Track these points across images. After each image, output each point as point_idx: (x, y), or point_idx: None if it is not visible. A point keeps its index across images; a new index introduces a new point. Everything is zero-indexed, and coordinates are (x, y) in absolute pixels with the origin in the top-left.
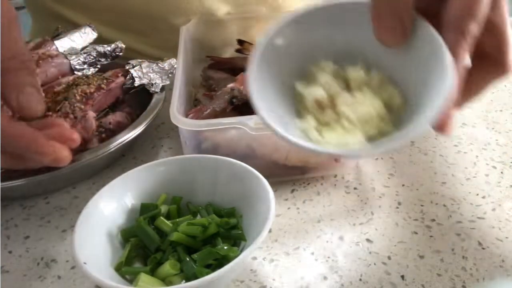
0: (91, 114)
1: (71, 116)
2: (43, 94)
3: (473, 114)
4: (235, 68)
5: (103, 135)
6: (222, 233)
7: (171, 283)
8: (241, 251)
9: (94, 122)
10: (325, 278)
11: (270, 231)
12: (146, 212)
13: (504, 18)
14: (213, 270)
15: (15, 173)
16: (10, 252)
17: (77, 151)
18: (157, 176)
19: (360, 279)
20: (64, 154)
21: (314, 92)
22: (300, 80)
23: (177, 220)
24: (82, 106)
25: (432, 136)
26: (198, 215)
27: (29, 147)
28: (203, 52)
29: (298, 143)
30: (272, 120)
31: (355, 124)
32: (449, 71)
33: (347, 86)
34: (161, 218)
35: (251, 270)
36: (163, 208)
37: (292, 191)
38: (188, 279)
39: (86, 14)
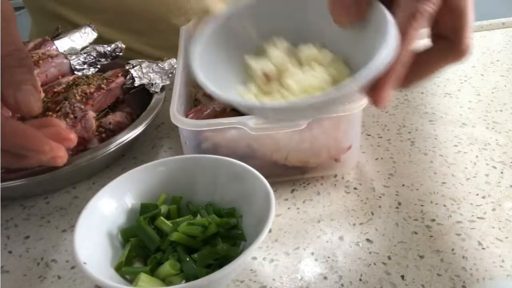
0: (91, 114)
1: (71, 116)
2: (42, 92)
3: (473, 114)
4: None
5: (103, 135)
6: (222, 233)
7: (171, 283)
8: (241, 251)
9: (94, 122)
10: (325, 278)
11: (270, 231)
12: (146, 212)
13: (467, 3)
14: (213, 270)
15: (15, 173)
16: (10, 252)
17: (77, 151)
18: (157, 176)
19: (360, 279)
20: (61, 153)
21: (263, 65)
22: (253, 55)
23: (177, 220)
24: (82, 106)
25: (432, 136)
26: (198, 215)
27: (26, 144)
28: None
29: (220, 95)
30: (209, 82)
31: (295, 94)
32: (389, 41)
33: (300, 64)
34: (161, 218)
35: (251, 270)
36: (163, 208)
37: (292, 191)
38: (188, 279)
39: (86, 14)
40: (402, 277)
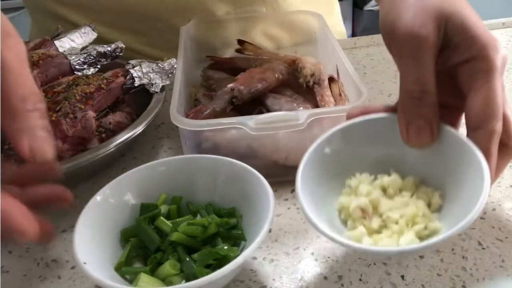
0: (91, 114)
1: (71, 116)
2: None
3: None
4: (235, 68)
5: (103, 135)
6: (222, 233)
7: (171, 283)
8: (241, 251)
9: (94, 122)
10: (325, 278)
11: (270, 231)
12: (146, 212)
13: (506, 107)
14: (213, 270)
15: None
16: (10, 252)
17: (77, 151)
18: (157, 176)
19: (360, 279)
20: (47, 230)
21: (359, 202)
22: (335, 191)
23: (177, 220)
24: (82, 106)
25: None
26: (198, 215)
27: (13, 227)
28: (203, 52)
29: (338, 240)
30: (328, 230)
31: (404, 226)
32: (485, 171)
33: (384, 193)
34: (161, 218)
35: (251, 270)
36: (163, 208)
37: (292, 191)
38: (188, 279)
39: (86, 15)
40: (402, 277)
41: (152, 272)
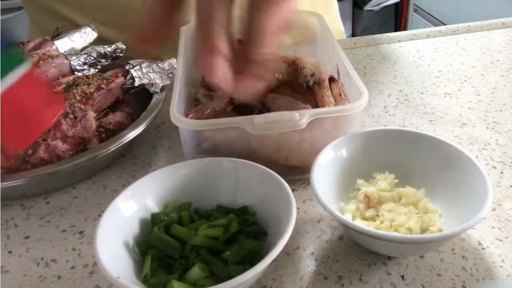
0: (91, 114)
1: (71, 116)
2: None
3: (473, 114)
4: None
5: (103, 135)
6: (243, 231)
7: (203, 286)
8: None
9: (94, 122)
10: (325, 278)
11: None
12: (157, 221)
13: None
14: (244, 266)
15: (15, 173)
16: (10, 252)
17: (77, 151)
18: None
19: (360, 279)
20: None
21: (369, 189)
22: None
23: (193, 225)
24: (82, 106)
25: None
26: (212, 219)
27: None
28: None
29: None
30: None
31: (390, 226)
32: (489, 189)
33: (399, 197)
34: (177, 225)
35: None
36: (174, 216)
37: (292, 191)
38: (219, 280)
39: (85, 13)
40: (402, 277)
41: (180, 279)
